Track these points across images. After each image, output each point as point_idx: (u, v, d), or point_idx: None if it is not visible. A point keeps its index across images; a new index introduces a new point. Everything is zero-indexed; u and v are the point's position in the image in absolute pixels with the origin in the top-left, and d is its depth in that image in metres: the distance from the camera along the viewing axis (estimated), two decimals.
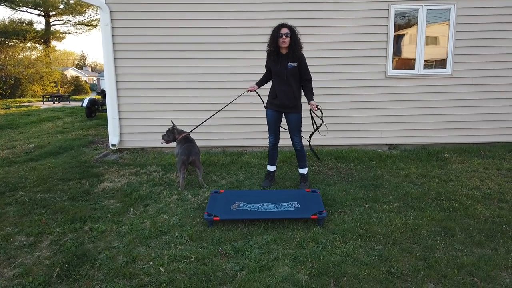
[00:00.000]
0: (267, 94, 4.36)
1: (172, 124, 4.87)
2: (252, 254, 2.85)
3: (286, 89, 4.11)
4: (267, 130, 4.41)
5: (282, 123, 4.38)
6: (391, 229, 3.24)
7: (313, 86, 4.16)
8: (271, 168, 4.52)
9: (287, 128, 4.30)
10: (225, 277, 2.56)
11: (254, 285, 2.45)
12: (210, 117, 5.07)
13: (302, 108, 4.27)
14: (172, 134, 4.72)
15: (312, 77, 4.18)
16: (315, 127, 4.41)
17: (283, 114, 4.29)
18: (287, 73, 4.05)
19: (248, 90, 4.32)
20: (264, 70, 4.41)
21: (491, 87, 6.18)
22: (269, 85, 4.39)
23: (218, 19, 5.89)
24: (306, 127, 4.65)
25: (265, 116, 4.38)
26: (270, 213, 3.41)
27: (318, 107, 4.10)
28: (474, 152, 5.84)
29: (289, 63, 4.04)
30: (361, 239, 3.08)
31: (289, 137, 4.31)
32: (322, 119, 4.28)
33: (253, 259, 2.78)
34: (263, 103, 4.49)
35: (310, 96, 4.10)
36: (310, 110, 4.16)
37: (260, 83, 4.38)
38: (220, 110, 5.09)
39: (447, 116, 6.24)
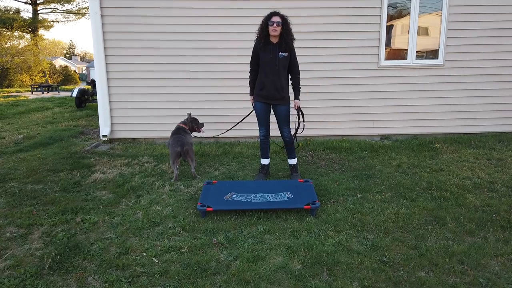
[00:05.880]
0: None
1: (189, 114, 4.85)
2: (246, 244, 2.86)
3: (275, 79, 4.01)
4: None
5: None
6: (383, 218, 3.27)
7: (306, 77, 4.12)
8: (264, 161, 4.43)
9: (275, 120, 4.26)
10: (219, 267, 2.57)
11: (248, 274, 2.46)
12: (231, 128, 5.29)
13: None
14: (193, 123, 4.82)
15: (300, 69, 4.13)
16: (298, 125, 4.34)
17: (271, 106, 4.19)
18: (278, 63, 3.98)
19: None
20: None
21: (482, 78, 6.23)
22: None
23: (210, 8, 5.81)
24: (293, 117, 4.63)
25: None
26: (263, 203, 3.42)
27: (300, 108, 4.19)
28: (464, 142, 5.90)
29: (280, 53, 3.96)
30: (353, 228, 3.10)
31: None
32: (303, 119, 4.30)
33: (247, 249, 2.78)
34: None
35: (296, 94, 4.10)
36: (298, 108, 4.20)
37: (253, 91, 4.27)
38: (231, 128, 5.30)
39: (439, 107, 6.28)
